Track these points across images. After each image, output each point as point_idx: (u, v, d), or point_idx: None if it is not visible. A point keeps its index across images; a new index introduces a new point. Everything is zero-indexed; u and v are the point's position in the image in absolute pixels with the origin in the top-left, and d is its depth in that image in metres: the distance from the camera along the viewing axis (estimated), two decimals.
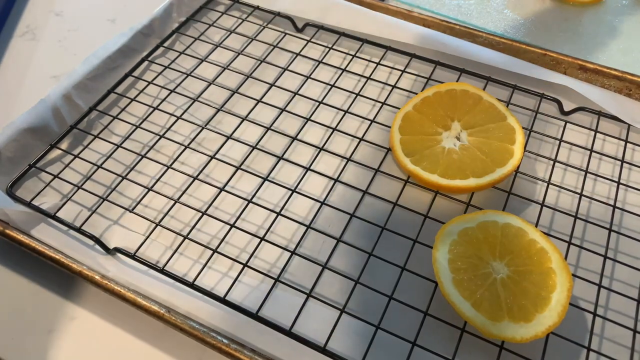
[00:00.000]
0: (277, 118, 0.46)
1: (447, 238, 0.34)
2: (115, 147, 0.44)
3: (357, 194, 0.41)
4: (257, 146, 0.43)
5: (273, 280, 0.36)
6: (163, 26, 0.52)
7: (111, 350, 0.35)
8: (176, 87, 0.47)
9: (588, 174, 0.42)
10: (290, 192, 0.40)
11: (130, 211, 0.39)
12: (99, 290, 0.36)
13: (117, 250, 0.37)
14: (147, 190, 0.41)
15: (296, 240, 0.39)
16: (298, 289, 0.35)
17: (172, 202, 0.40)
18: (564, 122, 0.45)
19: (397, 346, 0.34)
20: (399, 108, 0.43)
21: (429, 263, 0.34)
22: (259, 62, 0.50)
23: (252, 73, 0.49)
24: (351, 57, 0.50)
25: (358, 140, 0.44)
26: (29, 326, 0.36)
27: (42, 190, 0.41)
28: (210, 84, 0.48)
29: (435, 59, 0.49)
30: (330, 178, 0.42)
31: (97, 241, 0.37)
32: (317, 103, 0.47)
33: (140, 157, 0.43)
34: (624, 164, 0.43)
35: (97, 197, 0.40)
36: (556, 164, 0.42)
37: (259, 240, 0.38)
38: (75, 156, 0.43)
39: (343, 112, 0.46)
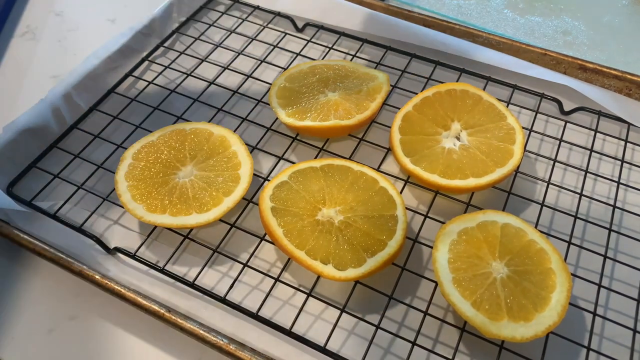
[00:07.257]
0: (277, 118, 0.46)
1: (447, 238, 0.34)
2: (116, 147, 0.44)
3: None
4: (257, 146, 0.43)
5: (273, 280, 0.36)
6: (163, 26, 0.52)
7: (111, 350, 0.35)
8: (176, 87, 0.47)
9: (588, 174, 0.42)
10: None
11: None
12: (99, 290, 0.36)
13: (118, 250, 0.37)
14: None
15: None
16: (298, 288, 0.35)
17: None
18: (564, 122, 0.45)
19: (397, 346, 0.34)
20: (399, 108, 0.43)
21: (429, 263, 0.34)
22: (259, 62, 0.50)
23: (252, 73, 0.49)
24: (351, 57, 0.50)
25: (358, 140, 0.44)
26: (29, 326, 0.36)
27: (42, 190, 0.41)
28: (210, 84, 0.48)
29: (435, 59, 0.49)
30: None
31: (98, 241, 0.37)
32: None
33: None
34: (624, 164, 0.43)
35: (97, 197, 0.40)
36: (556, 163, 0.43)
37: (259, 240, 0.38)
38: (76, 156, 0.43)
39: None
